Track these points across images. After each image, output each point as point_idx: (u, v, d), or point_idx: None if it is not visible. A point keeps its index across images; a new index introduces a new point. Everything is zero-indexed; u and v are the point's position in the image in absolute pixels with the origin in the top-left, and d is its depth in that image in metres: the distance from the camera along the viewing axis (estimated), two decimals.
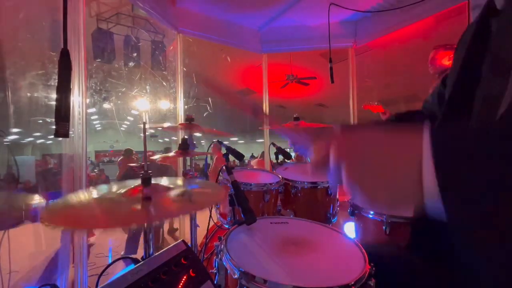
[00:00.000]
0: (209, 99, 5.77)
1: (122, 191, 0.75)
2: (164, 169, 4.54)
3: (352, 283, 0.61)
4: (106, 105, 6.20)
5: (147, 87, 5.04)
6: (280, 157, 1.86)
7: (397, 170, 0.31)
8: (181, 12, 2.61)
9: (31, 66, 3.23)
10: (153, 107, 5.72)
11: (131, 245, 3.53)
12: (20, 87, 3.29)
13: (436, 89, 0.78)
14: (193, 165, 1.48)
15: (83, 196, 0.74)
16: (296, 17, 2.89)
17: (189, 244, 0.84)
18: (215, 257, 0.79)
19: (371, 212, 1.17)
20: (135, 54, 3.58)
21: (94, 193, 0.76)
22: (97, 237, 3.97)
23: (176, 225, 4.60)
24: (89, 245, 3.29)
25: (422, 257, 0.70)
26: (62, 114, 0.70)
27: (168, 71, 3.75)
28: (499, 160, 0.28)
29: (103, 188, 0.80)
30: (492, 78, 0.47)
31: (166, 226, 4.49)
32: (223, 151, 1.51)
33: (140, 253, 0.84)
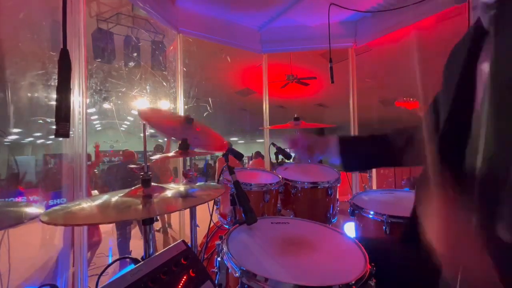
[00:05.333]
0: (209, 99, 5.77)
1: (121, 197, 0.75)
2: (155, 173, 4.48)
3: (353, 282, 0.61)
4: (106, 105, 6.19)
5: (147, 87, 5.04)
6: (280, 157, 1.86)
7: None
8: (181, 12, 2.61)
9: (31, 66, 3.23)
10: (153, 107, 5.71)
11: (123, 246, 3.55)
12: (20, 87, 3.29)
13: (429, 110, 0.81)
14: (193, 165, 1.48)
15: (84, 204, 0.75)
16: (296, 17, 2.89)
17: (189, 244, 0.84)
18: (216, 256, 0.79)
19: (371, 212, 1.17)
20: (135, 54, 3.58)
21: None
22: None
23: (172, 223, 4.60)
24: (95, 243, 3.27)
25: (421, 256, 0.70)
26: (62, 114, 0.70)
27: (168, 71, 3.75)
28: None
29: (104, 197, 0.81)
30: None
31: (158, 225, 4.49)
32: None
33: (140, 253, 0.84)
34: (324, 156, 0.96)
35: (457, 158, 0.57)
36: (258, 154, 6.06)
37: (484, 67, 0.54)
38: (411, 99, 2.51)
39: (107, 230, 3.99)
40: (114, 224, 3.56)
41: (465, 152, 0.58)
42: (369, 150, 0.93)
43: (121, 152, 4.89)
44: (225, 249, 0.75)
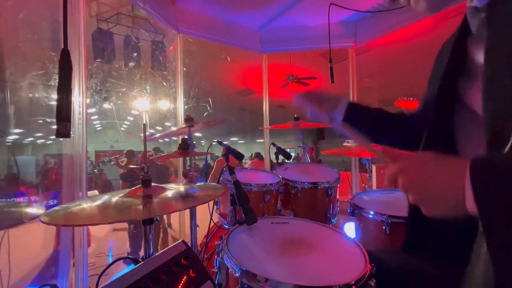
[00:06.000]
0: (209, 99, 5.77)
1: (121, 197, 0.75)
2: (163, 170, 4.53)
3: (353, 282, 0.61)
4: (106, 105, 6.20)
5: (147, 87, 5.04)
6: (280, 157, 1.86)
7: (447, 194, 0.43)
8: (181, 12, 2.61)
9: (31, 66, 3.23)
10: (153, 107, 5.72)
11: (136, 243, 3.55)
12: (20, 87, 3.29)
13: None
14: (193, 165, 1.49)
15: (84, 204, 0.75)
16: (296, 17, 2.89)
17: (189, 244, 0.85)
18: (216, 256, 0.79)
19: (371, 212, 1.17)
20: (135, 54, 3.58)
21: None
22: (97, 237, 3.98)
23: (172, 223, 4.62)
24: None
25: (421, 257, 0.71)
26: (63, 114, 0.70)
27: (168, 71, 3.75)
28: None
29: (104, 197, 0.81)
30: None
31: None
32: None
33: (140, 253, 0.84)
34: (331, 115, 0.92)
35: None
36: (256, 156, 6.07)
37: (478, 59, 0.57)
38: (411, 98, 2.52)
39: (110, 231, 3.99)
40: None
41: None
42: (374, 122, 0.91)
43: (139, 155, 5.10)
44: (225, 249, 0.75)
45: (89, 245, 3.59)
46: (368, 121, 0.91)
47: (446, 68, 0.66)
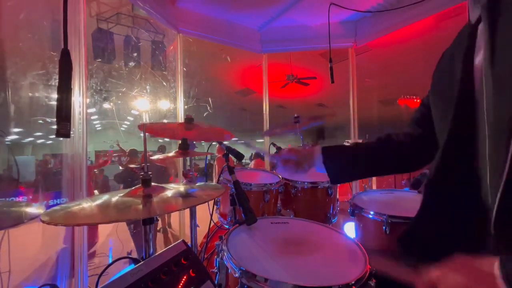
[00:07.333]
0: (209, 99, 5.77)
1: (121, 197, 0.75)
2: (162, 171, 4.48)
3: (353, 282, 0.61)
4: (106, 105, 6.20)
5: (147, 87, 5.04)
6: None
7: None
8: (181, 12, 2.61)
9: (32, 66, 3.23)
10: (153, 107, 5.72)
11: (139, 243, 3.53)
12: (20, 87, 3.29)
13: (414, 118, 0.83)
14: (193, 165, 1.48)
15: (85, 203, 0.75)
16: (296, 17, 2.89)
17: (189, 244, 0.84)
18: (216, 256, 0.79)
19: (371, 212, 1.17)
20: (135, 54, 3.58)
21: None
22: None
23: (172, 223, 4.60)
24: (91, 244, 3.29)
25: (420, 257, 0.71)
26: (63, 114, 0.70)
27: (168, 71, 3.75)
28: None
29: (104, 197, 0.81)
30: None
31: (158, 225, 4.46)
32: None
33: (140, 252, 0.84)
34: (313, 167, 0.90)
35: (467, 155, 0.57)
36: (257, 155, 6.06)
37: (479, 61, 0.55)
38: (414, 97, 2.52)
39: (109, 231, 4.00)
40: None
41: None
42: (355, 157, 0.87)
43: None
44: (224, 249, 0.75)
45: (96, 242, 3.58)
46: (349, 157, 0.88)
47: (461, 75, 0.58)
